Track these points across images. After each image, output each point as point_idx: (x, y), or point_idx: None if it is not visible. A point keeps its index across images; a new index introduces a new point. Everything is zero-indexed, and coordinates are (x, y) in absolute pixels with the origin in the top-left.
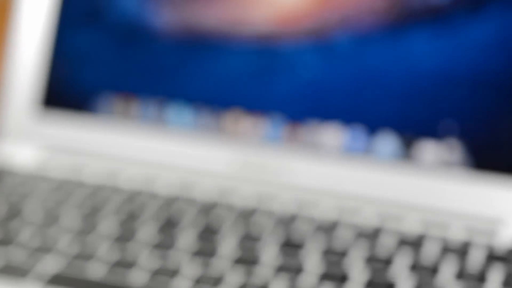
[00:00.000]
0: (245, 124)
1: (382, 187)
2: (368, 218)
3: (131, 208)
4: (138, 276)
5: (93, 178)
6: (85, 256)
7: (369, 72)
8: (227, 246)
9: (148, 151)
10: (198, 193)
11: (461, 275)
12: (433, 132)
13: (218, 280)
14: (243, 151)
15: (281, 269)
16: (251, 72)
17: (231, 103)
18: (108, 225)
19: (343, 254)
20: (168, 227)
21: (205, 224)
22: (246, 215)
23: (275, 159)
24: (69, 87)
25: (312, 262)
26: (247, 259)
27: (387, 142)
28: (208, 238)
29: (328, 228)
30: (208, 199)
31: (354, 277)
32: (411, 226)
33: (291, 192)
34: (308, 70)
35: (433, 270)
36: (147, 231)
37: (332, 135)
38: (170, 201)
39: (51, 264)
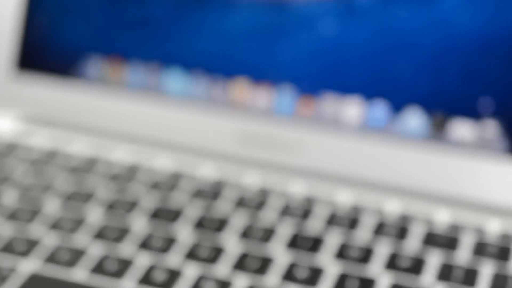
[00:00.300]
0: (251, 94)
1: (407, 171)
2: (391, 208)
3: (120, 192)
4: (130, 277)
5: (77, 154)
6: (68, 253)
7: (395, 37)
8: (231, 244)
9: (140, 123)
10: (198, 173)
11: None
12: (468, 109)
13: (221, 286)
14: (249, 125)
15: (291, 273)
16: (259, 33)
17: (235, 70)
18: (94, 215)
19: (365, 256)
20: (165, 218)
21: (207, 214)
22: (253, 202)
23: (286, 136)
24: (50, 47)
25: (329, 264)
26: (253, 260)
27: (414, 120)
28: (209, 233)
29: (346, 221)
30: (210, 180)
31: (379, 282)
32: (441, 219)
33: (302, 174)
34: (325, 34)
35: (468, 275)
36: (140, 224)
37: (351, 110)
38: (166, 183)
39: (29, 262)
